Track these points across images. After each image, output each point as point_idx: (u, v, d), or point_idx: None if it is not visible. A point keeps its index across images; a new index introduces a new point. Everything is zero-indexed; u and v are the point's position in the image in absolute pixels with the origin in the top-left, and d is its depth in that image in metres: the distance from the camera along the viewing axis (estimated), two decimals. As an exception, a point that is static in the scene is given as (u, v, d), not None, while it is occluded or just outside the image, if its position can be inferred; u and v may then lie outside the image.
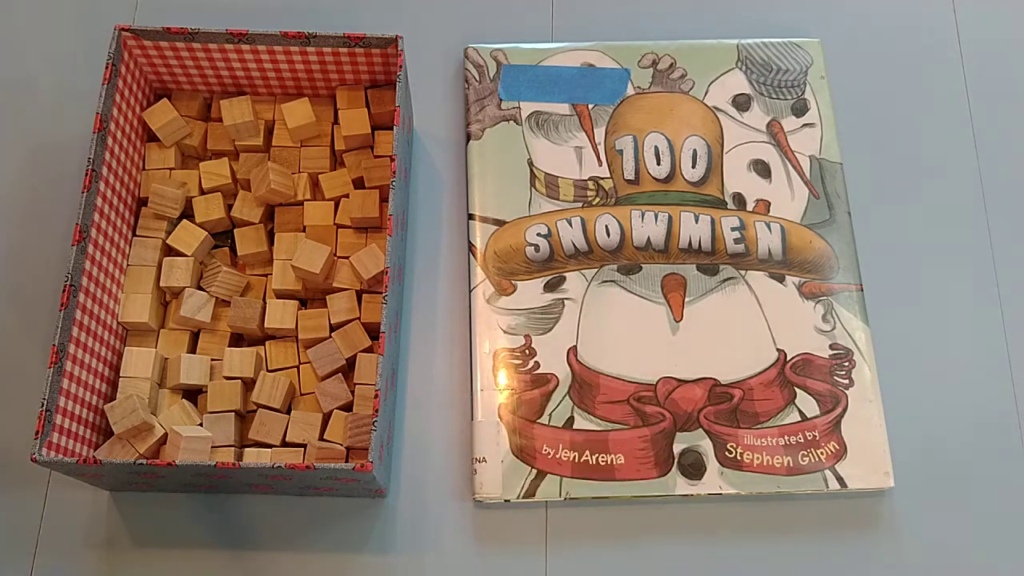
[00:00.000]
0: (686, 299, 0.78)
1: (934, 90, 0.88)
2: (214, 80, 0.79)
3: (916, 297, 0.81)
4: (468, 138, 0.83)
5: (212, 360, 0.74)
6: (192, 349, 0.75)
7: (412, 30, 0.86)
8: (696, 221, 0.80)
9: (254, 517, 0.73)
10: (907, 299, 0.81)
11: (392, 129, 0.79)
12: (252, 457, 0.70)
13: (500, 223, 0.80)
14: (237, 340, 0.76)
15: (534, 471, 0.73)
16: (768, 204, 0.81)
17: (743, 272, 0.79)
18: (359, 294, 0.75)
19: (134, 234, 0.76)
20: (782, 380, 0.76)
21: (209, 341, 0.75)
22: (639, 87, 0.84)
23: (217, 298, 0.75)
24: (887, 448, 0.74)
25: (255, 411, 0.72)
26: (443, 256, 0.81)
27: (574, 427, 0.74)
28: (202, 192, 0.78)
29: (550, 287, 0.78)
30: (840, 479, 0.73)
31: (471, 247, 0.79)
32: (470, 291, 0.78)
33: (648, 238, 0.80)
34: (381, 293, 0.69)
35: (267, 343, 0.75)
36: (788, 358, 0.76)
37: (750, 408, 0.75)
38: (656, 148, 0.82)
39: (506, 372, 0.75)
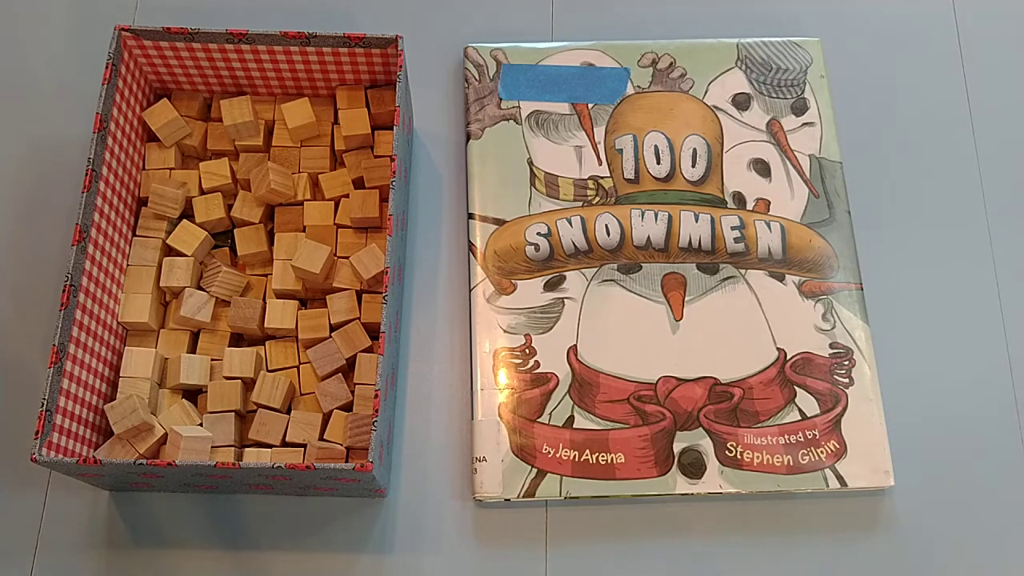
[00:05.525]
0: (686, 298, 0.78)
1: (934, 89, 0.88)
2: (214, 80, 0.79)
3: (916, 296, 0.81)
4: (468, 137, 0.83)
5: (212, 360, 0.74)
6: (192, 349, 0.75)
7: (412, 30, 0.86)
8: (696, 220, 0.80)
9: (254, 517, 0.73)
10: (907, 298, 0.81)
11: (392, 129, 0.79)
12: (252, 457, 0.70)
13: (500, 222, 0.80)
14: (237, 340, 0.76)
15: (534, 470, 0.73)
16: (768, 203, 0.81)
17: (743, 271, 0.79)
18: (359, 294, 0.75)
19: (134, 234, 0.76)
20: (782, 379, 0.76)
21: (209, 341, 0.75)
22: (639, 86, 0.84)
23: (217, 298, 0.75)
24: (887, 447, 0.74)
25: (255, 411, 0.72)
26: (443, 256, 0.81)
27: (574, 426, 0.74)
28: (202, 192, 0.78)
29: (550, 286, 0.78)
30: (840, 478, 0.73)
31: (471, 246, 0.79)
32: (470, 291, 0.78)
33: (648, 237, 0.80)
34: (381, 293, 0.69)
35: (267, 343, 0.75)
36: (788, 357, 0.76)
37: (750, 407, 0.75)
38: (656, 147, 0.82)
39: (506, 371, 0.75)
